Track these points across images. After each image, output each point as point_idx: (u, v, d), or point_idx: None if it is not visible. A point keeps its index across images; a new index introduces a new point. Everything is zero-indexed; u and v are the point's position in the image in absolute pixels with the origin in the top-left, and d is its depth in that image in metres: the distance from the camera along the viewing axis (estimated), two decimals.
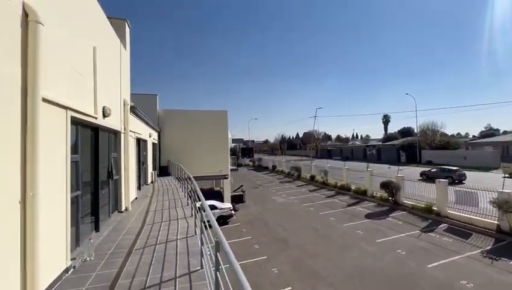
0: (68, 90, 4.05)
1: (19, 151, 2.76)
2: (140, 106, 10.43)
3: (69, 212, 3.93)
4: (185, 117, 21.54)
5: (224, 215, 16.68)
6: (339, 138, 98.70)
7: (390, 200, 18.34)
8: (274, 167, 44.40)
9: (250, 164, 57.85)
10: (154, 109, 20.55)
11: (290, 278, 9.54)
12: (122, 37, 8.16)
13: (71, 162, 4.10)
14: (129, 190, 8.02)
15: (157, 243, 4.91)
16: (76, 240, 4.51)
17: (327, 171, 27.22)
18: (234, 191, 23.67)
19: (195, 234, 5.31)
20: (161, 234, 5.44)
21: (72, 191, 4.15)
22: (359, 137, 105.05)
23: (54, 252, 3.50)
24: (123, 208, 7.65)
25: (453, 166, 29.17)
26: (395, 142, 54.61)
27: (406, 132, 62.03)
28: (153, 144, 17.15)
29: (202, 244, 3.79)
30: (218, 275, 2.31)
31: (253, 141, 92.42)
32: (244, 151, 57.13)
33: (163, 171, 19.28)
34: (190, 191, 8.25)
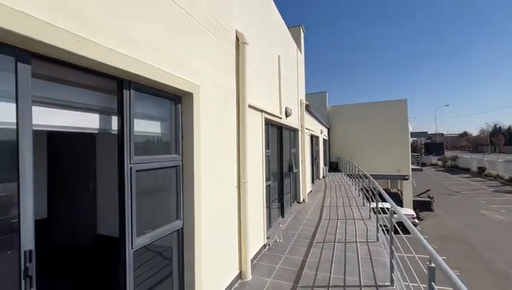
0: (263, 96, 4.84)
1: (235, 149, 3.57)
2: (311, 104, 10.97)
3: (265, 198, 4.71)
4: (356, 111, 20.47)
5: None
6: None
7: None
8: (481, 169, 32.29)
9: (439, 163, 45.77)
10: (324, 106, 21.17)
11: None
12: (297, 41, 8.89)
13: (265, 156, 4.89)
14: (306, 183, 8.65)
15: (336, 240, 4.82)
16: (269, 221, 5.36)
17: None
18: (418, 195, 19.59)
19: (377, 240, 4.71)
20: (338, 232, 5.31)
21: (266, 181, 4.95)
22: None
23: (257, 227, 4.29)
24: (301, 199, 8.36)
25: None
26: None
27: None
28: (324, 140, 17.71)
29: (392, 257, 3.21)
30: None
31: (441, 134, 72.45)
32: (429, 147, 45.77)
33: (332, 167, 19.49)
34: (365, 190, 7.58)
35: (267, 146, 5.36)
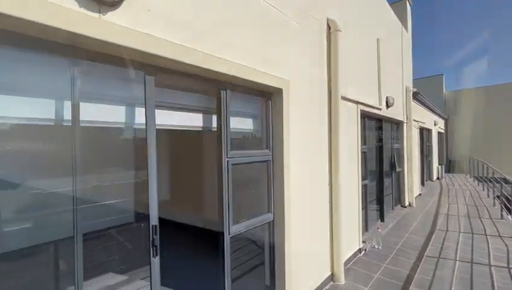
0: (358, 86, 4.38)
1: (327, 144, 3.38)
2: (422, 91, 9.16)
3: (360, 198, 4.29)
4: (488, 95, 15.80)
5: None
6: None
7: None
8: None
9: None
10: (440, 92, 17.35)
11: None
12: (403, 19, 7.58)
13: (361, 152, 4.43)
14: (412, 184, 7.35)
15: (457, 258, 3.87)
16: (365, 224, 4.86)
17: None
18: None
19: None
20: (461, 249, 4.24)
21: (362, 180, 4.49)
22: None
23: (351, 229, 3.96)
24: (406, 203, 7.17)
25: None
26: None
27: None
28: (439, 133, 14.56)
29: None
30: None
31: None
32: None
33: (451, 166, 15.80)
34: (506, 199, 5.76)
35: (364, 141, 4.84)
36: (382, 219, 5.71)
